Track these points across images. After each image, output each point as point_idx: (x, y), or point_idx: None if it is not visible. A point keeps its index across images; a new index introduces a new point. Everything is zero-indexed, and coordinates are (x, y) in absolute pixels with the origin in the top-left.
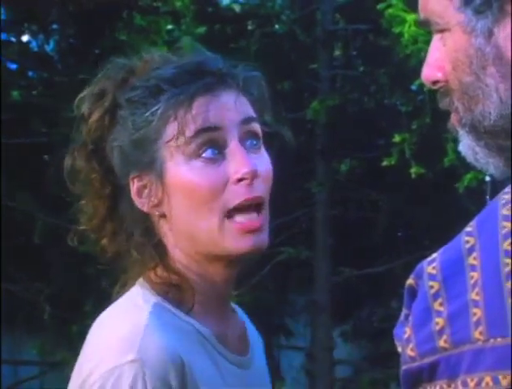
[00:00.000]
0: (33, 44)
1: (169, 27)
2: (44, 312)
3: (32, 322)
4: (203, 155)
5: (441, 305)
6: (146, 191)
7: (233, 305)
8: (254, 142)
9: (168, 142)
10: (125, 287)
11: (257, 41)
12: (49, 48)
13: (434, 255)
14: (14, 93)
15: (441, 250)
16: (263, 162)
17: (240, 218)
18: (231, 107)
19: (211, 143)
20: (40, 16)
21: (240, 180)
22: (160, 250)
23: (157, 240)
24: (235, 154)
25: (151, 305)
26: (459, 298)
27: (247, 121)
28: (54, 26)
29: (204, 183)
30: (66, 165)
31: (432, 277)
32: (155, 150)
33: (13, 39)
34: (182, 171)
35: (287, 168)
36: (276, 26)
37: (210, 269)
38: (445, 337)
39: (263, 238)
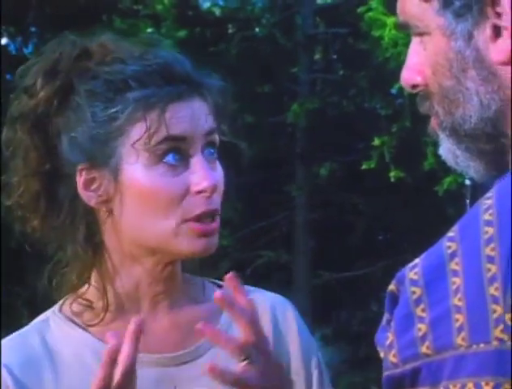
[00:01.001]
0: (11, 48)
1: (149, 30)
2: (22, 316)
3: (10, 326)
4: (165, 159)
5: (423, 310)
6: (94, 185)
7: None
8: (212, 151)
9: (134, 143)
10: (62, 288)
11: (237, 45)
12: (28, 51)
13: (416, 261)
14: None
15: (422, 256)
16: (217, 174)
17: (196, 223)
18: (199, 117)
19: (175, 150)
20: (18, 19)
21: (200, 192)
22: (97, 244)
23: (96, 233)
24: (198, 166)
25: (40, 320)
26: (441, 304)
27: (210, 132)
28: (33, 29)
29: (164, 190)
30: (4, 134)
31: (413, 283)
32: (114, 146)
33: None
34: (142, 174)
35: (266, 171)
36: (256, 29)
37: (146, 264)
38: (427, 343)
39: (215, 242)
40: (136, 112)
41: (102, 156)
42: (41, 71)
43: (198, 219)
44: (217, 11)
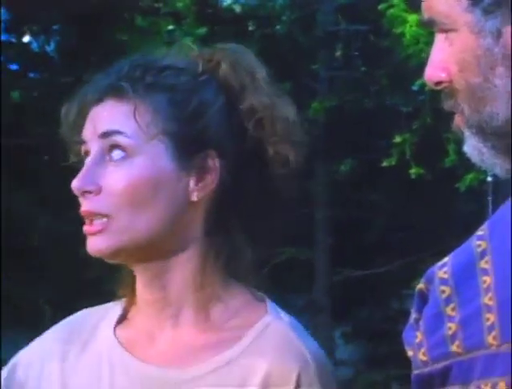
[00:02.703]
0: (34, 45)
1: (170, 27)
2: (45, 314)
3: (33, 323)
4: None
5: (453, 309)
6: None
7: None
8: (123, 154)
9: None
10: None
11: (257, 42)
12: (50, 48)
13: (445, 259)
14: (15, 94)
15: (451, 254)
16: (116, 177)
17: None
18: (97, 119)
19: (85, 152)
20: (41, 17)
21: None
22: None
23: None
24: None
25: (111, 304)
26: (472, 303)
27: (106, 134)
28: (55, 27)
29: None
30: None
31: (443, 282)
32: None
33: (14, 40)
34: None
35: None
36: (277, 27)
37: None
38: (457, 342)
39: (99, 242)
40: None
41: None
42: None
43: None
44: (237, 9)
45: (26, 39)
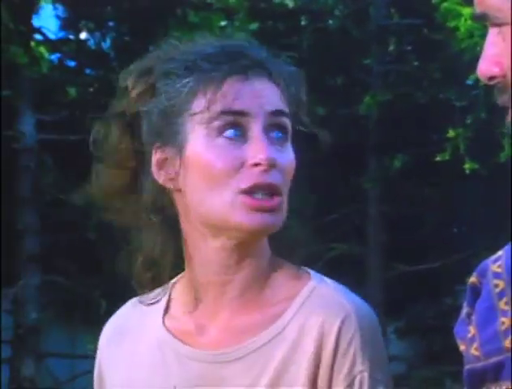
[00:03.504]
0: (91, 42)
1: (222, 23)
2: (100, 307)
3: (88, 317)
4: (225, 134)
5: (506, 304)
6: (166, 163)
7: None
8: (280, 135)
9: (192, 115)
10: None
11: (309, 37)
12: (106, 45)
13: (499, 253)
14: (72, 91)
15: (505, 249)
16: (285, 156)
17: (248, 196)
18: (261, 95)
19: (235, 124)
20: (97, 14)
21: (256, 165)
22: (175, 227)
23: (172, 217)
24: (256, 139)
25: (157, 291)
26: None
27: (276, 113)
28: (110, 23)
29: (220, 162)
30: (96, 131)
31: (497, 275)
32: (181, 123)
33: (71, 36)
34: (202, 147)
35: (338, 163)
36: (329, 21)
37: (214, 247)
38: (510, 338)
39: (273, 219)
40: (197, 85)
41: (170, 132)
42: (135, 72)
43: (251, 192)
44: (290, 3)
45: (83, 36)
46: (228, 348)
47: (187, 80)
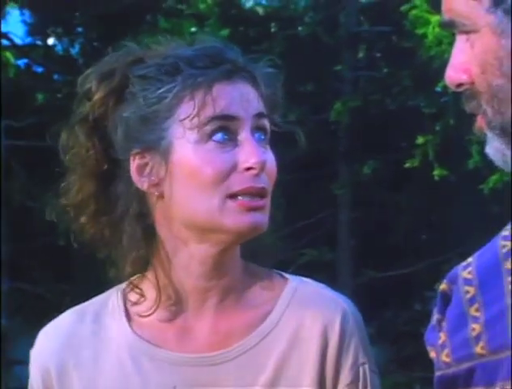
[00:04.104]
0: (59, 48)
1: (193, 29)
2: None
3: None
4: (214, 138)
5: (477, 310)
6: (147, 169)
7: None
8: (262, 137)
9: (181, 120)
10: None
11: (280, 43)
12: (74, 51)
13: (469, 260)
14: (40, 96)
15: (476, 255)
16: (269, 158)
17: (241, 198)
18: (248, 98)
19: (224, 128)
20: (65, 19)
21: (248, 169)
22: (149, 234)
23: (149, 223)
24: (246, 143)
25: (104, 296)
26: (496, 304)
27: (259, 115)
28: (79, 29)
29: (211, 167)
30: (62, 139)
31: (467, 282)
32: (165, 128)
33: (39, 42)
34: (190, 152)
35: (309, 169)
36: (299, 28)
37: (197, 253)
38: (482, 343)
39: (263, 218)
40: (184, 90)
41: (153, 138)
42: (97, 75)
43: (244, 194)
44: (260, 10)
45: (50, 41)
46: (215, 352)
47: (171, 85)
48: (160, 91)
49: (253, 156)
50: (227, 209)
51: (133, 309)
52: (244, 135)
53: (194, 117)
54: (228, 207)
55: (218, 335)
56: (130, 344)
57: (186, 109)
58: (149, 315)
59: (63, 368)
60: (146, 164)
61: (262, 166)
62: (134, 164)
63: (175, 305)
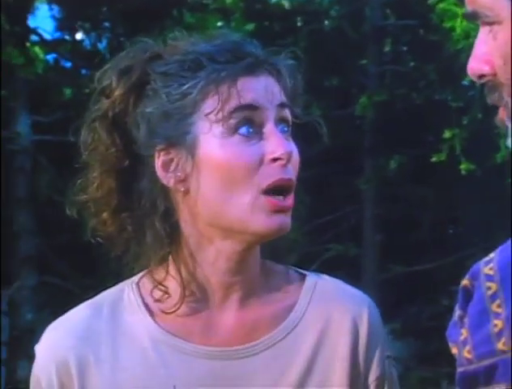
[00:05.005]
0: (86, 43)
1: (218, 24)
2: None
3: None
4: (239, 132)
5: (499, 306)
6: (172, 165)
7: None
8: (286, 129)
9: (207, 115)
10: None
11: (305, 38)
12: (101, 46)
13: (491, 255)
14: (67, 91)
15: (497, 250)
16: (294, 149)
17: (271, 197)
18: (270, 90)
19: (249, 121)
20: (92, 15)
21: (275, 160)
22: (174, 231)
23: (175, 220)
24: (272, 135)
25: (97, 299)
26: None
27: (282, 106)
28: (106, 24)
29: (240, 161)
30: (83, 135)
31: (489, 278)
32: (190, 123)
33: (67, 37)
34: (217, 146)
35: (334, 164)
36: (325, 22)
37: (223, 249)
38: (504, 340)
39: (288, 220)
40: (208, 86)
41: (178, 134)
42: (116, 71)
43: (274, 188)
44: (286, 4)
45: (79, 36)
46: (242, 346)
47: (195, 81)
48: (185, 87)
49: (279, 146)
50: (257, 209)
51: (154, 305)
52: (269, 127)
53: (219, 111)
54: (259, 206)
55: (244, 329)
56: (153, 338)
57: (211, 103)
58: (174, 311)
59: (84, 363)
60: (171, 160)
61: (289, 157)
62: (159, 160)
63: (199, 300)
